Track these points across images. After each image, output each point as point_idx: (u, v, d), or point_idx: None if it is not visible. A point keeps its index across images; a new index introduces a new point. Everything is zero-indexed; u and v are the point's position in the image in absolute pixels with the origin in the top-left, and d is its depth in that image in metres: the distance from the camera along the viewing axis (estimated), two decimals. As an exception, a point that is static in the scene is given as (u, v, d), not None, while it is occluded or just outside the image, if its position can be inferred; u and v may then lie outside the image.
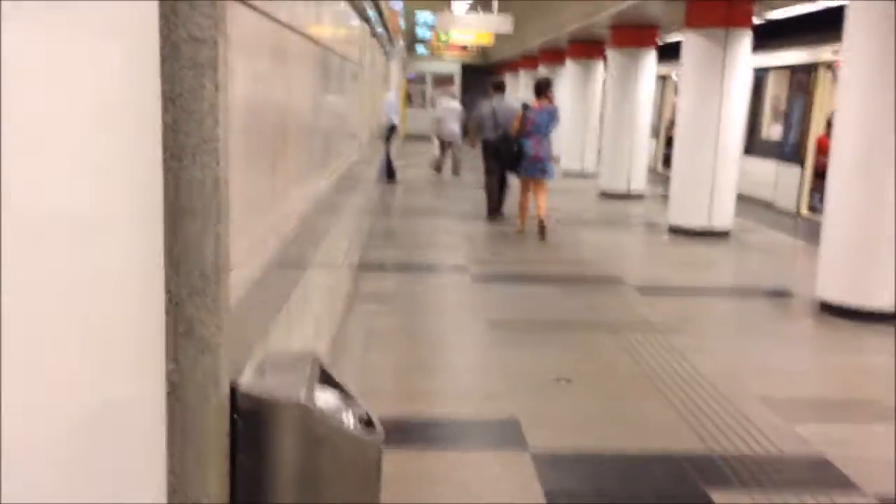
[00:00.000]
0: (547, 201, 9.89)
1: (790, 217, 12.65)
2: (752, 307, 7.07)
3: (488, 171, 10.96)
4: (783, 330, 6.35)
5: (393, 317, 6.26)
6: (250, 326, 1.94)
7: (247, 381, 1.62)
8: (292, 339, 2.90)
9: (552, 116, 9.89)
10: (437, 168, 16.73)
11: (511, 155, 10.02)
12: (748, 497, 3.46)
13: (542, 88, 10.00)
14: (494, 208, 11.07)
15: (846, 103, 6.56)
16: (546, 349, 5.49)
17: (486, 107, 10.90)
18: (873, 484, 3.60)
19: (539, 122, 9.72)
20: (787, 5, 11.38)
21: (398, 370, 5.04)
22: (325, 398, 1.71)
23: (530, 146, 9.69)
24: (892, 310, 6.29)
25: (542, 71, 20.35)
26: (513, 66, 26.69)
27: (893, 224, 6.24)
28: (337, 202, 4.86)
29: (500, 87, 11.23)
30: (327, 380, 1.78)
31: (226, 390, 1.50)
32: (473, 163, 13.21)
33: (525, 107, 10.08)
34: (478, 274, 7.74)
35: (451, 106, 16.59)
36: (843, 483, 3.62)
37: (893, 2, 6.06)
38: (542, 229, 9.59)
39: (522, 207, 10.01)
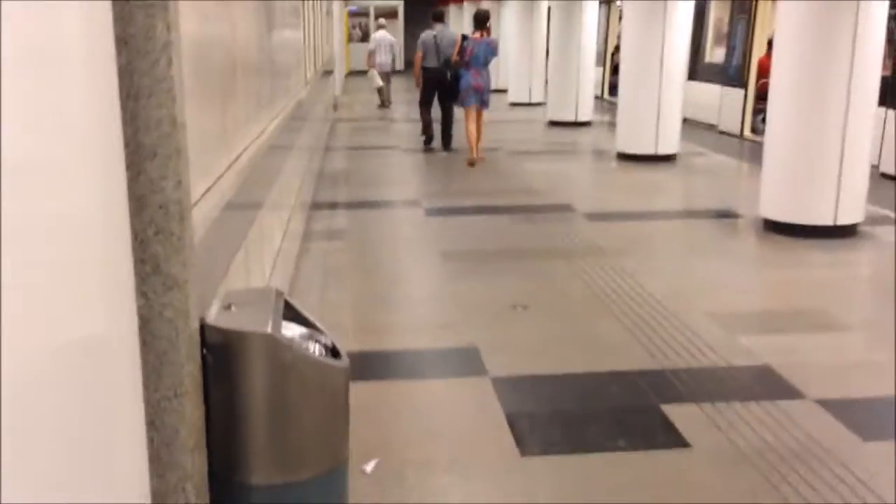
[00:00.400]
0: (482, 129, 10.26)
1: (735, 139, 12.88)
2: (699, 228, 7.25)
3: (425, 101, 11.18)
4: (728, 248, 6.55)
5: (347, 253, 6.31)
6: (213, 264, 1.98)
7: (214, 315, 1.67)
8: (251, 277, 2.94)
9: (491, 48, 10.12)
10: (382, 102, 16.68)
11: (452, 83, 10.33)
12: (698, 408, 3.63)
13: (482, 20, 10.23)
14: (430, 137, 11.34)
15: (784, 25, 6.66)
16: (500, 278, 5.60)
17: (427, 36, 11.03)
18: (814, 389, 3.80)
19: (478, 52, 9.97)
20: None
21: (355, 305, 5.10)
22: (291, 329, 1.77)
23: (470, 76, 9.97)
24: (832, 224, 6.52)
25: (484, 4, 20.26)
26: (456, -2, 26.33)
27: (832, 142, 6.42)
28: (287, 140, 4.85)
29: (439, 17, 11.42)
30: (292, 313, 1.84)
31: (195, 324, 1.55)
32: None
33: (464, 37, 10.24)
34: (430, 207, 7.79)
35: (383, 37, 16.86)
36: (786, 390, 3.81)
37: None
38: (472, 161, 10.10)
39: (470, 136, 10.20)
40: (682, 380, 3.92)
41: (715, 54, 15.42)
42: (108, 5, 1.28)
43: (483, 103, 10.17)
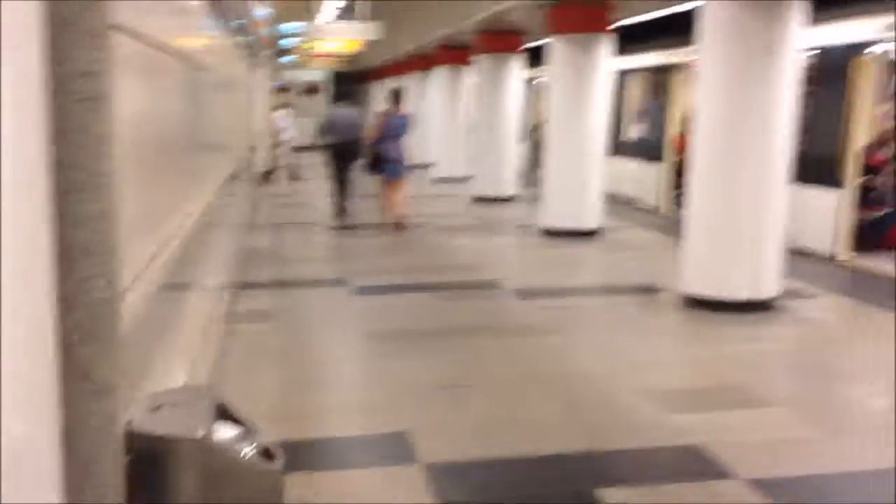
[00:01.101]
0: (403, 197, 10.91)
1: (656, 214, 13.25)
2: (624, 304, 7.36)
3: (332, 176, 11.64)
4: (653, 324, 6.64)
5: (273, 336, 6.17)
6: (139, 361, 1.89)
7: (141, 418, 1.58)
8: (177, 368, 2.83)
9: (406, 121, 10.97)
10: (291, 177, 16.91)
11: (355, 158, 11.17)
12: (633, 490, 3.61)
13: (397, 97, 11.03)
14: (341, 210, 11.59)
15: (702, 103, 6.93)
16: (430, 358, 5.54)
17: (331, 114, 11.75)
18: (744, 468, 3.83)
19: (396, 126, 10.78)
20: (642, 12, 11.90)
21: (281, 390, 4.97)
22: (223, 431, 1.69)
23: (388, 149, 10.69)
24: (750, 299, 6.69)
25: (409, 79, 20.74)
26: (383, 72, 26.74)
27: (747, 218, 6.65)
28: (214, 219, 4.76)
29: (343, 97, 12.35)
30: (224, 412, 1.76)
31: (121, 430, 1.46)
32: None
33: (382, 114, 11.00)
34: (356, 286, 7.72)
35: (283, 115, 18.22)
36: (717, 469, 3.83)
37: (736, 8, 6.45)
38: (400, 225, 10.80)
39: (386, 206, 10.96)
40: (617, 462, 3.90)
41: (636, 131, 15.96)
42: (41, 99, 1.22)
43: (401, 172, 10.86)
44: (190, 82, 3.63)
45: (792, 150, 6.91)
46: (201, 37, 4.38)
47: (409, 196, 10.84)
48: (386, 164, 10.68)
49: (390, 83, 24.80)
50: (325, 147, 11.47)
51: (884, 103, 9.35)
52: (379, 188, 10.94)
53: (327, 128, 11.43)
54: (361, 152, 11.10)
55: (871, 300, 7.23)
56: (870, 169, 9.48)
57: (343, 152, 11.21)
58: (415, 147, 21.31)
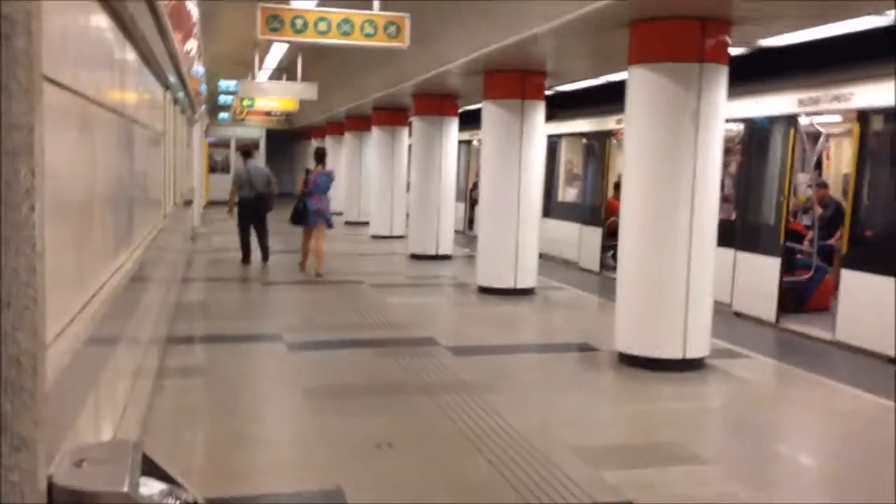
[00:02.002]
0: (324, 246, 12.02)
1: (591, 275, 13.47)
2: (559, 362, 7.42)
3: (242, 227, 12.85)
4: (587, 382, 6.71)
5: (205, 392, 6.04)
6: (63, 414, 1.84)
7: (63, 473, 1.53)
8: (103, 423, 2.76)
9: (329, 178, 12.00)
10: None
11: (266, 211, 12.72)
12: (565, 547, 3.60)
13: (321, 156, 12.19)
14: (247, 255, 12.89)
15: (631, 167, 7.13)
16: (365, 415, 5.49)
17: (241, 170, 12.92)
18: (675, 524, 3.86)
19: (319, 182, 11.79)
20: (574, 81, 12.25)
21: (212, 447, 4.86)
22: (150, 486, 1.65)
23: (313, 202, 11.70)
24: (681, 357, 6.82)
25: (347, 137, 21.00)
26: (320, 131, 26.85)
27: (677, 280, 6.81)
28: (144, 273, 4.69)
29: (249, 153, 13.44)
30: (151, 466, 1.72)
31: (43, 485, 1.42)
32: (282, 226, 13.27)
33: (307, 171, 12.00)
34: (292, 342, 7.64)
35: None
36: (649, 526, 3.85)
37: (662, 77, 6.70)
38: (318, 274, 11.81)
39: (305, 252, 12.13)
40: (549, 519, 3.90)
41: (567, 194, 16.30)
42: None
43: (325, 221, 11.80)
44: (122, 136, 3.61)
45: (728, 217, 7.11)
46: (135, 91, 4.37)
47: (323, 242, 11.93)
48: (309, 216, 11.67)
49: (330, 142, 24.97)
50: (238, 201, 12.66)
51: (804, 172, 9.74)
52: (305, 237, 11.99)
53: (240, 183, 12.67)
54: (271, 206, 12.74)
55: (797, 361, 7.43)
56: (794, 234, 9.84)
57: (254, 206, 12.59)
58: (351, 204, 21.48)
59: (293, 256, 14.29)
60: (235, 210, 12.84)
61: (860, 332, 8.18)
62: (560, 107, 14.99)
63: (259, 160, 31.83)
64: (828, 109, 8.97)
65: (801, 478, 4.85)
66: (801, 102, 9.33)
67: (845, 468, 4.88)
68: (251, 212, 12.67)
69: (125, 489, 1.50)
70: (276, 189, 13.02)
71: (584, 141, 15.16)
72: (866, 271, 8.22)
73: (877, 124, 8.70)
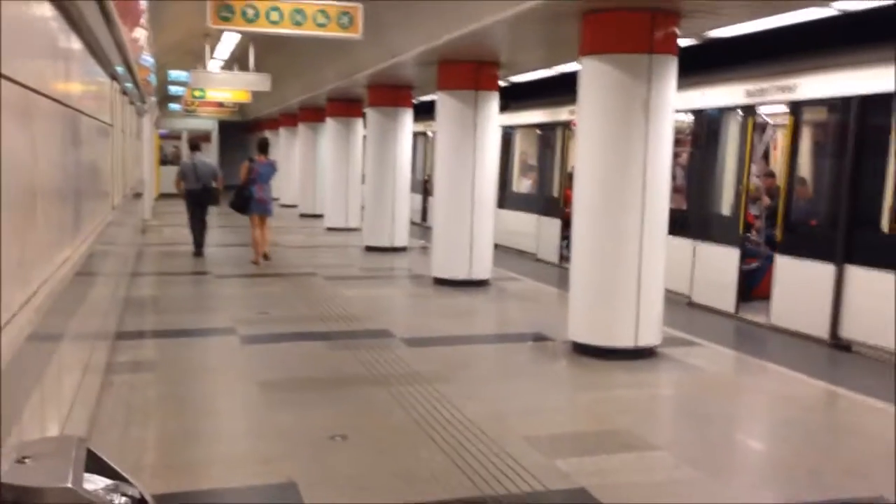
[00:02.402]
0: (271, 233, 12.76)
1: (545, 265, 13.57)
2: (513, 352, 7.47)
3: (191, 216, 13.17)
4: (541, 371, 6.76)
5: (156, 386, 5.97)
6: (7, 410, 1.81)
7: (7, 470, 1.50)
8: (48, 420, 2.71)
9: (272, 167, 12.49)
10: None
11: (211, 202, 13.17)
12: (519, 535, 3.63)
13: (264, 147, 12.60)
14: (199, 246, 13.20)
15: (583, 158, 7.18)
16: (319, 407, 5.47)
17: (187, 163, 13.29)
18: (627, 509, 3.92)
19: (262, 172, 12.24)
20: (528, 71, 12.30)
21: (164, 442, 4.80)
22: (95, 482, 1.63)
23: (256, 191, 12.14)
24: (633, 346, 6.91)
25: (301, 129, 20.86)
26: (273, 123, 26.59)
27: (629, 270, 6.89)
28: (92, 267, 4.60)
29: (197, 146, 13.94)
30: (96, 462, 1.69)
31: (-17, 482, 1.39)
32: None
33: (251, 160, 12.36)
34: (245, 335, 7.58)
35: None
36: (601, 512, 3.91)
37: (613, 68, 6.76)
38: (265, 256, 12.40)
39: (255, 241, 12.35)
40: (503, 507, 3.93)
41: (521, 185, 16.37)
42: None
43: (267, 212, 12.31)
44: (67, 127, 3.53)
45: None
46: (80, 81, 4.28)
47: (267, 229, 12.50)
48: (253, 204, 12.12)
49: (283, 133, 24.76)
50: (186, 193, 13.03)
51: (753, 163, 9.90)
52: (252, 225, 12.37)
53: (186, 175, 13.04)
54: (217, 199, 13.24)
55: (747, 349, 7.59)
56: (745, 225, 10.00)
57: (200, 197, 13.03)
58: (305, 196, 21.33)
59: (245, 250, 14.18)
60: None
61: (794, 317, 8.46)
62: (519, 97, 15.05)
63: (211, 152, 31.61)
64: (773, 100, 9.13)
65: (749, 462, 4.95)
66: (748, 93, 9.49)
67: (791, 452, 4.99)
68: (198, 203, 13.09)
69: (69, 484, 1.48)
70: (222, 183, 13.42)
71: (538, 132, 15.25)
72: (800, 257, 8.49)
73: (808, 115, 8.93)
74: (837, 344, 7.95)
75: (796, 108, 8.74)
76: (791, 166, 8.83)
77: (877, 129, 7.93)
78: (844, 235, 7.97)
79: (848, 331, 7.89)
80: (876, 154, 7.93)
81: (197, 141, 14.63)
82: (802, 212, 9.04)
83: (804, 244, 8.58)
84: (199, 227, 13.15)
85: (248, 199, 12.16)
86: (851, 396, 5.95)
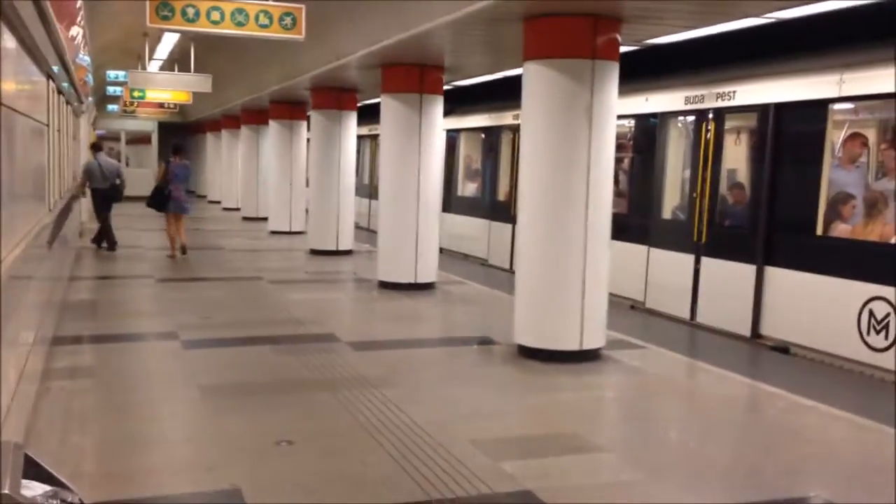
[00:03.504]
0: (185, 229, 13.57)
1: (490, 269, 13.62)
2: (459, 356, 7.47)
3: (101, 216, 14.10)
4: (487, 375, 6.77)
5: (94, 393, 5.82)
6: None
7: (-62, 478, 1.44)
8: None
9: (187, 169, 13.70)
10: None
11: (115, 200, 14.13)
12: (466, 538, 3.62)
13: (178, 150, 13.63)
14: (100, 238, 14.12)
15: (526, 162, 7.22)
16: (264, 412, 5.40)
17: (93, 163, 14.07)
18: (573, 510, 3.95)
19: (178, 173, 13.23)
20: (472, 76, 12.35)
21: (103, 450, 4.69)
22: (32, 488, 1.58)
23: (173, 190, 13.05)
24: (577, 348, 6.97)
25: (222, 134, 21.87)
26: (215, 125, 26.23)
27: (573, 274, 6.94)
28: (27, 271, 4.47)
29: (99, 147, 14.90)
30: (34, 468, 1.64)
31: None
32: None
33: (167, 162, 13.41)
34: (187, 339, 7.44)
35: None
36: (547, 513, 3.93)
37: (556, 73, 6.83)
38: (184, 250, 13.22)
39: (171, 237, 13.25)
40: (450, 510, 3.92)
41: (467, 189, 16.42)
42: None
43: (184, 210, 13.32)
44: (2, 127, 3.43)
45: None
46: (13, 80, 4.16)
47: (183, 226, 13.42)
48: (171, 203, 13.00)
49: (226, 135, 24.44)
50: (93, 192, 14.00)
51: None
52: (167, 226, 13.34)
53: (93, 175, 13.89)
54: (122, 193, 14.29)
55: (690, 350, 7.73)
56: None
57: (108, 194, 13.98)
58: (248, 199, 21.07)
59: (188, 253, 13.94)
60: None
61: (716, 315, 8.96)
62: (464, 101, 15.10)
63: (151, 154, 31.04)
64: (709, 108, 9.37)
65: (693, 463, 5.03)
66: (686, 100, 9.69)
67: (730, 451, 5.09)
68: (105, 200, 13.99)
69: (5, 490, 1.43)
70: (125, 181, 14.55)
71: (485, 135, 15.31)
72: (720, 258, 8.88)
73: (729, 122, 9.29)
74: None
75: (719, 115, 9.15)
76: (714, 172, 9.33)
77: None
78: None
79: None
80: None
81: (99, 143, 15.69)
82: (724, 215, 9.35)
83: (725, 246, 9.03)
84: (107, 223, 13.99)
85: (167, 199, 13.04)
86: (787, 396, 6.09)
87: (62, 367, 6.34)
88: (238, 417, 5.30)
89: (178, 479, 4.31)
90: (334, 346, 7.36)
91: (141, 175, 29.77)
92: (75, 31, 8.87)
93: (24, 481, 1.54)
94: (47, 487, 1.61)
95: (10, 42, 3.94)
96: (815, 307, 7.85)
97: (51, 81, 6.89)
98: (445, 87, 11.23)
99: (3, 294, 3.19)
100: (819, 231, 7.99)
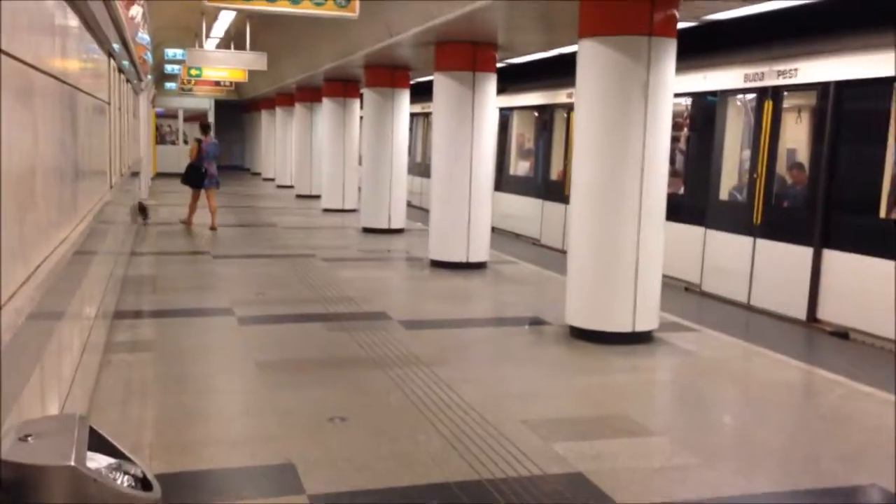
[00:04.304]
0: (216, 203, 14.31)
1: (544, 249, 13.56)
2: (510, 336, 7.47)
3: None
4: (538, 356, 6.76)
5: (154, 366, 5.96)
6: (8, 389, 1.80)
7: (9, 448, 1.50)
8: (48, 398, 2.70)
9: (217, 146, 14.49)
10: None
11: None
12: (516, 517, 3.64)
13: (206, 128, 14.71)
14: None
15: (580, 142, 7.15)
16: (317, 389, 5.48)
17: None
18: (623, 494, 3.93)
19: (209, 150, 14.13)
20: (526, 54, 12.23)
21: (162, 422, 4.80)
22: (97, 460, 1.62)
23: (207, 168, 13.98)
24: (630, 331, 6.91)
25: (276, 112, 21.13)
26: (269, 103, 26.47)
27: (627, 255, 6.88)
28: (90, 246, 4.58)
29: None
30: (98, 440, 1.69)
31: (-12, 461, 1.38)
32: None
33: (199, 140, 14.22)
34: (243, 315, 7.57)
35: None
36: (597, 496, 3.92)
37: (612, 51, 6.73)
38: (213, 227, 13.84)
39: (192, 210, 14.28)
40: (501, 490, 3.94)
41: (520, 168, 16.32)
42: None
43: (216, 184, 14.20)
44: (64, 105, 3.50)
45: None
46: (77, 59, 4.24)
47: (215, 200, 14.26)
48: (207, 180, 13.92)
49: (280, 113, 24.64)
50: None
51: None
52: (195, 197, 14.18)
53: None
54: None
55: (749, 337, 7.60)
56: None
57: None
58: (302, 177, 21.24)
59: (245, 230, 14.15)
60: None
61: (772, 298, 8.84)
62: (521, 79, 14.99)
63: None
64: (769, 85, 9.14)
65: (748, 448, 4.96)
66: (746, 77, 9.47)
67: (786, 437, 5.01)
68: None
69: (72, 462, 1.48)
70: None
71: (536, 114, 15.20)
72: (777, 240, 8.71)
73: (789, 101, 9.07)
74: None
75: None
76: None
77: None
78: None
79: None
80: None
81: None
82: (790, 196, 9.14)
83: (784, 227, 8.81)
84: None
85: (203, 176, 13.91)
86: (845, 382, 5.96)
87: (123, 341, 6.51)
88: (292, 393, 5.38)
89: (233, 452, 4.40)
90: (386, 325, 7.41)
91: (173, 151, 30.13)
92: (135, 10, 9.01)
93: (89, 453, 1.59)
94: (111, 460, 1.66)
95: (73, 20, 4.02)
96: (875, 291, 7.66)
97: (112, 60, 7.02)
98: (499, 65, 11.15)
99: (68, 269, 3.28)
100: (882, 214, 7.78)
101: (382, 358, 6.25)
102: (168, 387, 5.48)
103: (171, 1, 13.90)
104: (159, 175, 27.23)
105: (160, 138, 30.89)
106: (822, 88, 8.43)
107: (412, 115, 17.55)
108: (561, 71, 11.30)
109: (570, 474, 4.17)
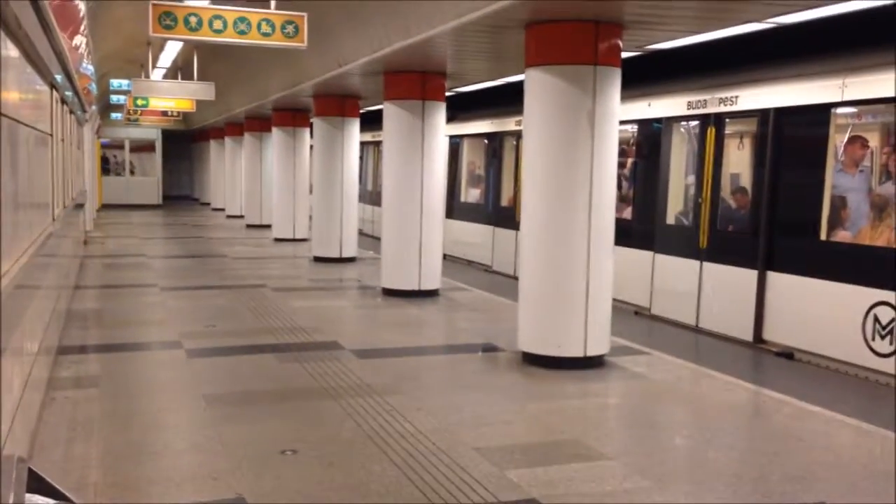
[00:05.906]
0: None
1: (494, 275, 13.60)
2: (463, 363, 7.46)
3: None
4: (491, 382, 6.75)
5: (100, 402, 5.82)
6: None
7: (-58, 494, 1.45)
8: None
9: None
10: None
11: None
12: (471, 546, 3.61)
13: None
14: None
15: (529, 169, 7.22)
16: (268, 421, 5.40)
17: None
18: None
19: None
20: (474, 83, 12.34)
21: (108, 459, 4.68)
22: (37, 502, 1.58)
23: None
24: (582, 355, 6.96)
25: (247, 138, 20.66)
26: (218, 132, 26.29)
27: (577, 281, 6.94)
28: (31, 280, 4.48)
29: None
30: (38, 482, 1.64)
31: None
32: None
33: None
34: (192, 348, 7.45)
35: None
36: (552, 521, 3.91)
37: (558, 80, 6.83)
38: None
39: None
40: (455, 519, 3.91)
41: (470, 195, 16.41)
42: None
43: None
44: (4, 138, 3.43)
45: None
46: (17, 90, 4.17)
47: None
48: None
49: (229, 143, 24.50)
50: None
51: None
52: None
53: None
54: None
55: (698, 359, 7.70)
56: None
57: None
58: (252, 207, 21.12)
59: (188, 261, 14.03)
60: None
61: (719, 320, 9.05)
62: (468, 108, 15.11)
63: (155, 161, 31.17)
64: (711, 112, 9.36)
65: (698, 470, 5.01)
66: (689, 105, 9.69)
67: (736, 457, 5.07)
68: None
69: (9, 507, 1.43)
70: None
71: (489, 141, 15.32)
72: (723, 263, 8.91)
73: (731, 127, 9.33)
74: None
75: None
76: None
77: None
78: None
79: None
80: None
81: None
82: (734, 220, 9.33)
83: (729, 250, 9.01)
84: None
85: None
86: (792, 402, 6.07)
87: (67, 377, 6.35)
88: (242, 426, 5.30)
89: (182, 488, 4.31)
90: (338, 354, 7.36)
91: (146, 183, 29.99)
92: (79, 40, 8.89)
93: (28, 495, 1.55)
94: (51, 501, 1.62)
95: (13, 51, 3.95)
96: (819, 312, 7.84)
97: (54, 91, 6.91)
98: (448, 94, 11.23)
99: (8, 304, 3.20)
100: (823, 236, 7.98)
101: (335, 388, 6.20)
102: (114, 423, 5.35)
103: (117, 31, 13.78)
104: (105, 206, 26.79)
105: (106, 169, 30.42)
106: (761, 115, 8.66)
107: (363, 143, 17.59)
108: (509, 99, 11.42)
109: (524, 501, 4.16)
